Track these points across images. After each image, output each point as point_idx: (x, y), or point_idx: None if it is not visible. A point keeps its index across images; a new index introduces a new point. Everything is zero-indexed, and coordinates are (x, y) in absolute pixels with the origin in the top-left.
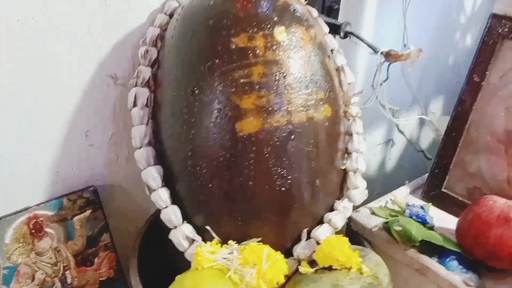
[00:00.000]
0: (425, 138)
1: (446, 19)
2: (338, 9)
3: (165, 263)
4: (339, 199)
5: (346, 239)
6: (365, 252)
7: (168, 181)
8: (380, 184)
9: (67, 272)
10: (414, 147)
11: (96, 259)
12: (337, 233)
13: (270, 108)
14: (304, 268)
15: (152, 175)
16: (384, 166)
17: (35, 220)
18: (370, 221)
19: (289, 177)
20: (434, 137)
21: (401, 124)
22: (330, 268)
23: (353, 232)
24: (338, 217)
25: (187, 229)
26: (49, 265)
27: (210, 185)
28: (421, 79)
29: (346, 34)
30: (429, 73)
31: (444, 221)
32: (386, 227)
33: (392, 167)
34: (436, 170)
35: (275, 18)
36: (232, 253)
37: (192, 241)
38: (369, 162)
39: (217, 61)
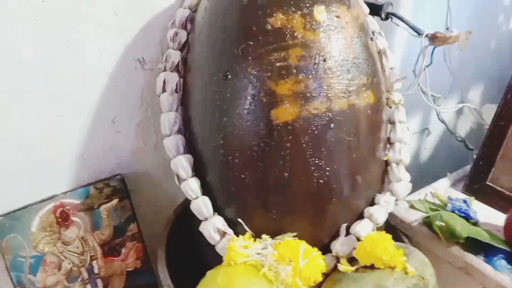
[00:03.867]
0: (463, 127)
1: (488, 1)
2: None
3: (194, 254)
4: (380, 192)
5: (390, 236)
6: (409, 250)
7: (198, 170)
8: (413, 176)
9: (94, 262)
10: (454, 136)
11: (123, 249)
12: (378, 229)
13: (308, 94)
14: (344, 266)
15: (182, 164)
16: (419, 157)
17: (61, 208)
18: (409, 215)
19: (328, 168)
20: (472, 126)
21: (442, 111)
22: (371, 267)
23: (391, 227)
24: (379, 212)
25: (219, 222)
26: (76, 255)
27: (243, 175)
28: (460, 65)
29: (388, 16)
30: (468, 59)
31: (489, 216)
32: (427, 222)
33: (427, 158)
34: (481, 162)
35: None
36: (267, 248)
37: (223, 234)
38: None
39: (251, 43)
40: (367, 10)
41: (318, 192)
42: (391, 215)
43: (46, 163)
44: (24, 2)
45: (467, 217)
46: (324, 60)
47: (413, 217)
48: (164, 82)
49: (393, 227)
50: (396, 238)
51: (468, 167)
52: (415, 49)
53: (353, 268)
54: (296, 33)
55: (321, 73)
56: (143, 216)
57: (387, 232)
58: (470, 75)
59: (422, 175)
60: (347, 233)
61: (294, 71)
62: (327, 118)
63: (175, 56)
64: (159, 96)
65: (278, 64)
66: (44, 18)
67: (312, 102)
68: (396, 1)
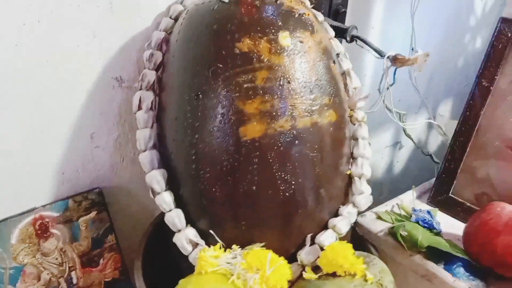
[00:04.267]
0: (433, 141)
1: (455, 22)
2: (345, 12)
3: (170, 265)
4: (344, 204)
5: (350, 245)
6: (370, 259)
7: (172, 184)
8: (387, 188)
9: (73, 272)
10: (421, 150)
11: (101, 260)
12: (342, 238)
13: (274, 113)
14: (308, 274)
15: (156, 178)
16: (391, 169)
17: (41, 221)
18: (376, 225)
19: (293, 182)
20: (442, 140)
21: (408, 127)
22: (334, 275)
23: (359, 237)
24: (342, 223)
25: (191, 233)
26: (55, 266)
27: (214, 189)
28: (430, 82)
29: (352, 38)
30: (438, 76)
31: (451, 226)
32: (392, 232)
33: (399, 170)
34: (444, 174)
35: (280, 23)
36: (236, 257)
37: (195, 245)
38: (376, 164)
39: (221, 65)
40: (333, 33)
41: (284, 205)
42: (359, 225)
43: (26, 177)
44: (6, 24)
45: (430, 228)
46: (289, 82)
47: (380, 227)
48: (140, 100)
49: (361, 237)
50: (364, 247)
51: (433, 180)
52: (381, 68)
53: (317, 276)
54: (262, 57)
55: (286, 94)
56: (121, 228)
57: (354, 242)
58: (440, 91)
59: (395, 187)
60: (312, 242)
61: (261, 91)
62: (292, 135)
63: (151, 76)
64: (135, 114)
65: (245, 85)
66: (25, 39)
67: (278, 121)
68: (366, 21)
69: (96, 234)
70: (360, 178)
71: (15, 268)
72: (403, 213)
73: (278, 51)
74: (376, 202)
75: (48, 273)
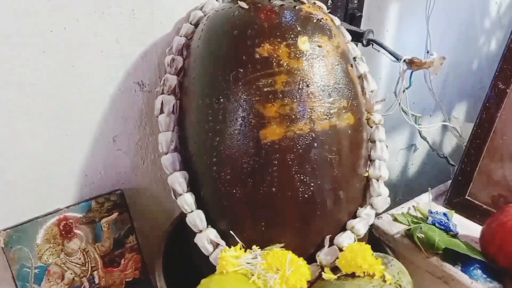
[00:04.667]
0: (449, 144)
1: (470, 25)
2: (360, 16)
3: (190, 265)
4: (362, 206)
5: (368, 246)
6: (388, 260)
7: (193, 186)
8: (402, 190)
9: (95, 272)
10: (437, 153)
11: (122, 260)
12: (360, 240)
13: (293, 116)
14: (327, 275)
15: (178, 180)
16: (406, 172)
17: (65, 221)
18: (393, 227)
19: (312, 184)
20: (458, 143)
21: (423, 130)
22: (353, 275)
23: (376, 239)
24: (360, 224)
25: (212, 234)
26: (78, 266)
27: (234, 191)
28: (445, 84)
29: (369, 42)
30: (452, 79)
31: (468, 229)
32: (409, 234)
33: (414, 173)
34: (460, 177)
35: (298, 28)
36: (256, 258)
37: (216, 245)
38: (391, 167)
39: (241, 70)
40: (349, 37)
41: (303, 206)
42: (376, 227)
43: (51, 179)
44: (34, 32)
45: (447, 230)
46: (307, 86)
47: (396, 229)
48: (162, 104)
49: (377, 239)
50: (380, 249)
51: (449, 182)
52: (397, 71)
53: (336, 276)
54: (281, 61)
55: (305, 97)
56: (142, 229)
57: (371, 243)
58: (455, 94)
59: (410, 189)
60: (331, 244)
61: (280, 95)
62: (311, 138)
63: (172, 80)
64: (157, 117)
65: (265, 89)
66: (51, 46)
67: (297, 124)
68: (381, 24)
69: (118, 235)
70: (378, 180)
71: (40, 268)
72: (419, 215)
73: (297, 55)
74: (392, 204)
75: (71, 273)
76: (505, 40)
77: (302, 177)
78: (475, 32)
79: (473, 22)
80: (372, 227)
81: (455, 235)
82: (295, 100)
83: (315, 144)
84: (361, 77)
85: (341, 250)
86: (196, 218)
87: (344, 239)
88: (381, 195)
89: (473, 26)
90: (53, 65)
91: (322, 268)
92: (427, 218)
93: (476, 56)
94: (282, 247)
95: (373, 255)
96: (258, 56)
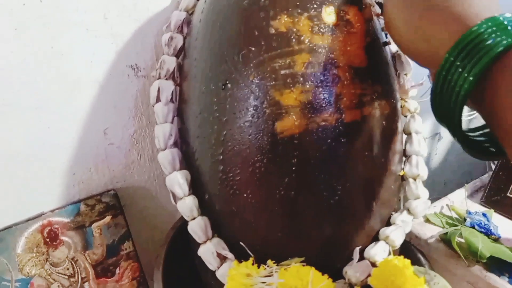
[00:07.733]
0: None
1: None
2: None
3: (193, 274)
4: (396, 211)
5: (408, 261)
6: (430, 277)
7: (196, 188)
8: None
9: (86, 284)
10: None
11: (117, 269)
12: (394, 252)
13: (317, 105)
14: None
15: (178, 181)
16: (430, 163)
17: (49, 227)
18: (425, 229)
19: (339, 187)
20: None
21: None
22: None
23: (404, 242)
24: (396, 233)
25: (218, 245)
26: (66, 277)
27: (245, 194)
28: None
29: None
30: None
31: (509, 231)
32: (445, 239)
33: (438, 163)
34: (500, 172)
35: None
36: (272, 275)
37: (224, 258)
38: None
39: (253, 49)
40: (379, 10)
41: (328, 213)
42: None
43: (32, 179)
44: (3, 4)
45: (487, 233)
46: (335, 67)
47: (429, 232)
48: (158, 91)
49: (406, 242)
50: (410, 255)
51: (485, 177)
52: None
53: None
54: (302, 37)
55: (331, 82)
56: (139, 234)
57: (401, 250)
58: None
59: (433, 181)
60: (361, 257)
61: (301, 79)
62: (338, 131)
63: (170, 63)
64: (153, 106)
65: (282, 72)
66: (25, 23)
67: (321, 114)
68: None
69: (112, 241)
70: (415, 180)
71: (21, 281)
72: (454, 215)
73: (321, 30)
74: None
75: (58, 285)
76: None
77: (327, 179)
78: None
79: None
80: None
81: (497, 239)
82: (319, 85)
83: (343, 139)
84: (394, 57)
85: (373, 265)
86: (200, 227)
87: (377, 251)
88: (419, 197)
89: None
90: (27, 46)
91: (351, 286)
92: (465, 219)
93: None
94: (302, 262)
95: (414, 272)
96: (273, 31)
